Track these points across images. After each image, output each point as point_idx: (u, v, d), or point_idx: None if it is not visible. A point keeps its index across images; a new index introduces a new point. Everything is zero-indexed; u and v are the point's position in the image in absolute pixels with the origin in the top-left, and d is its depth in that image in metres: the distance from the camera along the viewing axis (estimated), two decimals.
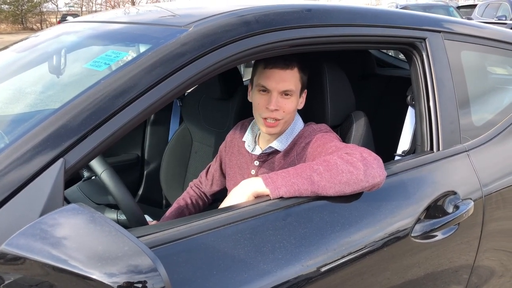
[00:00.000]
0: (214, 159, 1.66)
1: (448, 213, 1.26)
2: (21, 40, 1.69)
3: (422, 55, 1.42)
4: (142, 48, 1.03)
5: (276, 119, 1.31)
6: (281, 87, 1.30)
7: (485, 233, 1.39)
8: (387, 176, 1.18)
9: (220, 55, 1.02)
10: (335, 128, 1.49)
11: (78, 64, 1.31)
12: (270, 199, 1.07)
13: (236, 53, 1.05)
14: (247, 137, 1.48)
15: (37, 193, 0.78)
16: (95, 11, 52.91)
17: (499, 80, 1.74)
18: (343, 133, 1.49)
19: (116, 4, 17.21)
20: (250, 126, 1.49)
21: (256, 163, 1.43)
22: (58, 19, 42.88)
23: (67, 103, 0.88)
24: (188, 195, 1.66)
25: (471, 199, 1.33)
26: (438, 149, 1.36)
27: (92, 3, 53.75)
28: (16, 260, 0.67)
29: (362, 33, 1.33)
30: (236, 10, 1.13)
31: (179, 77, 0.97)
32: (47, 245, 0.67)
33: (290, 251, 1.00)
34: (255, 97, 1.34)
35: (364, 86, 2.25)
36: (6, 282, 0.68)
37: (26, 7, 46.58)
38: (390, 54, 2.61)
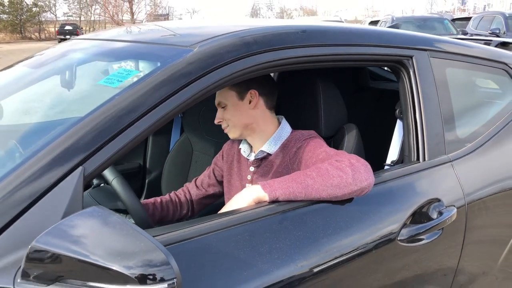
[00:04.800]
0: (210, 168, 1.75)
1: (432, 219, 1.36)
2: (36, 54, 1.79)
3: (410, 72, 1.53)
4: (152, 67, 1.13)
5: (223, 127, 1.51)
6: (216, 102, 1.49)
7: (468, 239, 1.49)
8: (377, 184, 1.29)
9: (223, 73, 1.13)
10: (328, 139, 1.59)
11: (92, 80, 1.41)
12: (268, 204, 1.16)
13: (236, 71, 1.15)
14: (243, 145, 1.59)
15: (60, 197, 0.87)
16: (93, 21, 53.21)
17: (482, 94, 1.85)
18: (335, 144, 1.59)
19: (115, 14, 17.38)
20: (244, 140, 1.60)
21: (252, 168, 1.53)
22: (56, 29, 43.18)
23: (85, 116, 0.98)
24: (170, 194, 1.72)
25: (454, 206, 1.43)
26: (424, 159, 1.47)
27: (91, 13, 54.09)
28: (45, 254, 0.76)
29: (353, 52, 1.43)
30: (237, 31, 1.24)
31: (185, 93, 1.07)
32: (72, 243, 0.76)
33: (285, 252, 1.09)
34: None
35: (358, 98, 2.35)
36: (35, 273, 0.77)
37: (25, 16, 46.82)
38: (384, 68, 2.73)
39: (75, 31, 40.17)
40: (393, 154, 1.59)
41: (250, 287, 1.02)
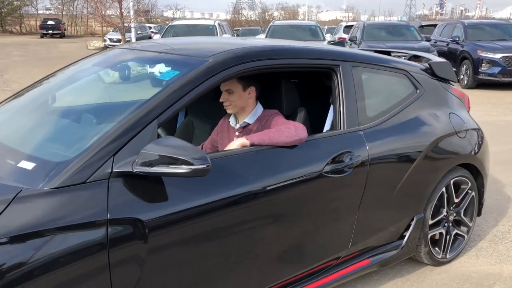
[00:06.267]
0: (207, 140, 2.69)
1: (345, 161, 2.31)
2: (85, 58, 2.70)
3: (338, 75, 2.48)
4: (187, 69, 2.05)
5: (226, 105, 2.43)
6: (225, 89, 2.41)
7: (370, 178, 2.44)
8: (314, 139, 2.24)
9: (226, 73, 2.06)
10: (288, 116, 2.53)
11: (146, 75, 2.34)
12: (249, 147, 2.10)
13: (231, 73, 2.09)
14: (231, 119, 2.53)
15: (147, 133, 1.79)
16: (76, 16, 53.23)
17: (388, 90, 2.81)
18: (292, 118, 2.53)
19: (97, 9, 17.90)
20: (232, 114, 2.54)
21: (237, 133, 2.47)
22: (39, 23, 43.27)
23: (156, 94, 1.89)
24: None
25: (360, 156, 2.39)
26: (344, 128, 2.42)
27: (73, 8, 54.11)
28: (147, 155, 1.67)
29: (302, 62, 2.39)
30: (235, 48, 2.17)
31: (205, 84, 1.99)
32: (159, 149, 1.68)
33: (254, 172, 2.03)
34: None
35: (309, 91, 3.31)
36: (141, 163, 1.68)
37: (6, 10, 46.63)
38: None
39: (57, 26, 40.33)
40: (327, 125, 2.55)
41: (243, 187, 1.95)
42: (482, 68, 11.33)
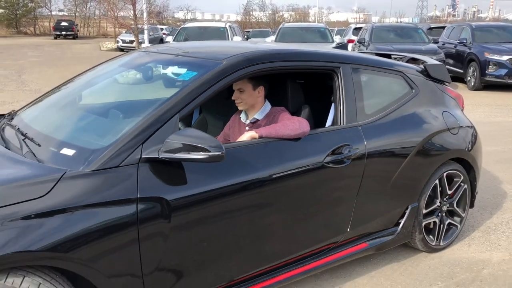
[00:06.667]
0: (220, 134, 2.97)
1: (344, 153, 2.58)
2: (109, 60, 3.00)
3: (338, 76, 2.75)
4: (204, 70, 2.33)
5: (237, 103, 2.71)
6: (237, 88, 2.68)
7: (367, 170, 2.71)
8: (317, 133, 2.52)
9: (235, 75, 2.34)
10: (293, 113, 2.80)
11: (170, 75, 2.63)
12: (257, 139, 2.38)
13: (243, 74, 2.37)
14: (242, 115, 2.81)
15: (170, 125, 2.07)
16: (88, 17, 53.99)
17: (385, 89, 3.07)
18: (297, 115, 2.81)
19: (110, 10, 18.29)
20: (243, 111, 2.82)
21: (247, 128, 2.75)
22: (52, 25, 44.01)
23: (176, 93, 2.18)
24: None
25: (358, 148, 2.66)
26: (344, 124, 2.69)
27: (86, 9, 54.88)
28: (170, 143, 1.96)
29: (306, 65, 2.67)
30: (246, 52, 2.45)
31: (220, 83, 2.27)
32: (180, 138, 1.97)
33: (262, 161, 2.31)
34: None
35: (313, 90, 3.58)
36: (164, 151, 1.97)
37: (20, 11, 47.45)
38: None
39: (70, 27, 40.97)
40: (329, 120, 2.82)
41: (253, 174, 2.23)
42: (489, 70, 11.51)
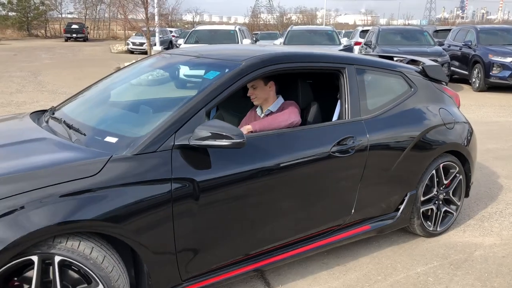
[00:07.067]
0: (239, 127, 3.31)
1: (348, 144, 2.91)
2: (139, 60, 3.36)
3: (344, 75, 3.08)
4: (226, 69, 2.67)
5: (253, 98, 3.08)
6: (251, 85, 3.05)
7: (369, 160, 3.03)
8: (324, 126, 2.86)
9: (253, 74, 2.68)
10: (303, 109, 3.14)
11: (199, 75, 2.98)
12: (253, 132, 2.73)
13: (259, 74, 2.71)
14: (258, 109, 3.16)
15: (198, 118, 2.41)
16: (98, 20, 54.67)
17: (386, 88, 3.39)
18: (306, 111, 3.14)
19: (123, 12, 18.65)
20: (259, 106, 3.17)
21: None
22: (63, 27, 44.72)
23: (203, 89, 2.52)
24: None
25: (361, 140, 2.98)
26: (348, 118, 3.02)
27: (96, 12, 55.60)
28: (199, 132, 2.30)
29: (314, 66, 3.01)
30: (262, 54, 2.79)
31: (240, 82, 2.61)
32: (207, 129, 2.31)
33: (277, 150, 2.64)
34: None
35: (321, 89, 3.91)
36: (195, 138, 2.31)
37: (32, 14, 48.22)
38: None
39: (81, 30, 41.60)
40: (335, 115, 3.16)
41: (268, 162, 2.57)
42: (493, 72, 11.77)
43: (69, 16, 58.68)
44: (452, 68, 13.12)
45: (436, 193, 3.55)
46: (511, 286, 2.94)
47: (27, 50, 26.75)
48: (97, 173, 2.12)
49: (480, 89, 12.09)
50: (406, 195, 3.34)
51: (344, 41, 13.65)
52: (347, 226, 3.11)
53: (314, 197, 2.86)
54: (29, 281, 2.01)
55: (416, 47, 12.57)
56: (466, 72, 12.88)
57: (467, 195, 3.83)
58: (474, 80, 12.42)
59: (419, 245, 3.50)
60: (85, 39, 41.65)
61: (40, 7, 48.97)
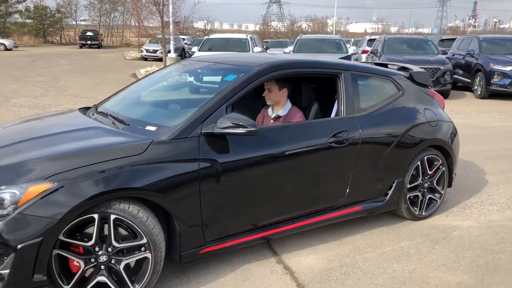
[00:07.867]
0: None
1: (343, 136, 3.49)
2: (174, 63, 3.99)
3: (340, 80, 3.67)
4: (241, 73, 3.27)
5: (266, 99, 3.66)
6: (267, 87, 3.63)
7: (360, 151, 3.61)
8: (323, 121, 3.46)
9: (266, 77, 3.28)
10: (305, 108, 3.73)
11: (217, 78, 3.59)
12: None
13: (269, 77, 3.31)
14: (269, 109, 3.76)
15: (219, 111, 3.01)
16: (112, 27, 55.81)
17: (377, 91, 3.97)
18: (308, 111, 3.73)
19: (139, 19, 19.29)
20: (270, 106, 3.76)
21: (271, 121, 3.68)
22: (78, 34, 45.88)
23: (223, 89, 3.12)
24: None
25: (354, 133, 3.56)
26: (344, 115, 3.61)
27: (110, 19, 56.79)
28: (221, 123, 2.90)
29: (316, 71, 3.61)
30: (273, 61, 3.39)
31: (253, 83, 3.22)
32: (225, 121, 2.91)
33: (283, 140, 3.23)
34: None
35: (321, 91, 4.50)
36: (217, 129, 2.90)
37: (48, 22, 49.48)
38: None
39: (95, 37, 42.69)
40: (333, 113, 3.75)
41: (275, 149, 3.15)
42: (494, 80, 12.28)
43: (83, 23, 60.06)
44: (455, 76, 13.65)
45: (421, 182, 4.11)
46: (478, 257, 3.49)
47: (45, 57, 27.69)
48: (142, 152, 2.73)
49: (482, 96, 12.59)
50: (393, 182, 3.90)
51: (352, 49, 14.22)
52: (342, 206, 3.68)
53: (314, 180, 3.44)
54: (89, 236, 2.61)
55: (420, 56, 13.12)
56: (469, 80, 13.39)
57: (450, 185, 4.37)
58: (476, 87, 12.93)
59: (406, 226, 4.06)
60: (99, 46, 42.70)
61: (56, 15, 50.25)
